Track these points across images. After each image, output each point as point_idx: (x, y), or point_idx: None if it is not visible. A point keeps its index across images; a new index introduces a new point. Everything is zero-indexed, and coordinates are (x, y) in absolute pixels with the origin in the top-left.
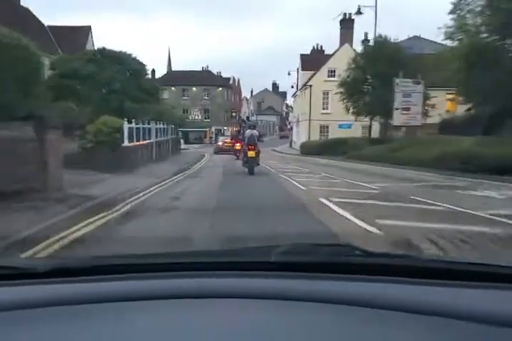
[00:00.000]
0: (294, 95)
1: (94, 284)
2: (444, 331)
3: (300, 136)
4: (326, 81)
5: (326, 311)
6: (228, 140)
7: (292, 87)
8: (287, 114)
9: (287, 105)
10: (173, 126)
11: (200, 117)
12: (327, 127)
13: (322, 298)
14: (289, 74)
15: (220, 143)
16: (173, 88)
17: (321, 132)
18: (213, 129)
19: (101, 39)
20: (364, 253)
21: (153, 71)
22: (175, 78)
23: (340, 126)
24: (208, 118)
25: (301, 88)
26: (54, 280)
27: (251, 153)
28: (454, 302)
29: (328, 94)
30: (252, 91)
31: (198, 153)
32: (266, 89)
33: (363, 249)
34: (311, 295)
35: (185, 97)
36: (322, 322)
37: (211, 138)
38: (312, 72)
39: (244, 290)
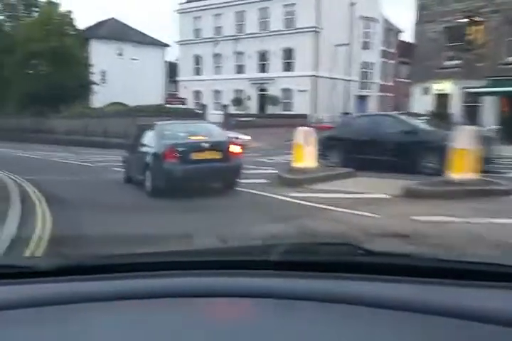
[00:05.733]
0: None
1: (93, 283)
2: (449, 331)
3: None
4: None
5: (327, 311)
6: None
7: None
8: None
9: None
10: None
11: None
12: None
13: (323, 298)
14: None
15: None
16: None
17: None
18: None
19: None
20: (366, 253)
21: None
22: None
23: None
24: None
25: None
26: (56, 278)
27: None
28: (458, 302)
29: None
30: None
31: None
32: None
33: (366, 247)
34: (312, 295)
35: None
36: (324, 322)
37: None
38: None
39: (242, 290)
